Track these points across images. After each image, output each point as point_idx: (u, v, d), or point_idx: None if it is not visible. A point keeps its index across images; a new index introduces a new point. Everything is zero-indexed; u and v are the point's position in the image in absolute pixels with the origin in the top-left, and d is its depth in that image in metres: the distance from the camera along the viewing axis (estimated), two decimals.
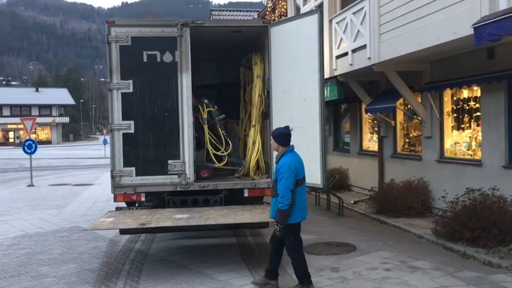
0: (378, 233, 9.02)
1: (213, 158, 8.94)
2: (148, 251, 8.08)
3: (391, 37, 9.21)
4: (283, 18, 16.17)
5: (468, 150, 9.51)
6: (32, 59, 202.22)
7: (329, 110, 15.50)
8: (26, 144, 19.32)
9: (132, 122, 8.19)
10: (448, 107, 10.03)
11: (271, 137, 5.99)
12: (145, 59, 8.17)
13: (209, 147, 9.01)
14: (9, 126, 71.85)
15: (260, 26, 8.52)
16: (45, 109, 75.08)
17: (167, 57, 8.24)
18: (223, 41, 9.33)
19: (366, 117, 13.45)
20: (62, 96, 78.77)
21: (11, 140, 71.71)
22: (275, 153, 8.30)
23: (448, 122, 10.02)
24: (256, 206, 8.12)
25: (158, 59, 8.21)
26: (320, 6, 12.74)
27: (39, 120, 71.88)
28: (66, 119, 78.35)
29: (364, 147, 13.67)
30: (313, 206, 12.11)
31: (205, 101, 9.15)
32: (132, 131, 8.20)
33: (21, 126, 73.75)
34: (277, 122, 8.31)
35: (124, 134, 8.18)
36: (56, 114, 76.41)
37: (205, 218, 7.06)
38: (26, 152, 19.30)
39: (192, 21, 8.30)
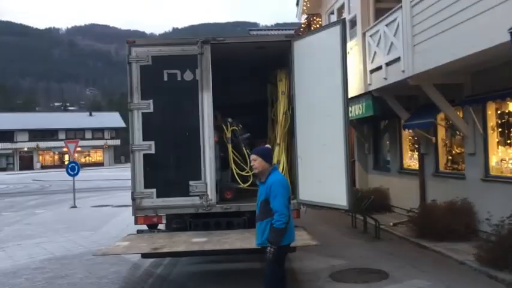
0: (416, 258, 8.33)
1: (237, 178, 8.61)
2: (168, 276, 7.79)
3: (425, 48, 8.65)
4: None
5: None
6: (89, 84, 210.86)
7: (368, 128, 14.91)
8: (70, 166, 19.73)
9: (152, 143, 8.01)
10: (492, 121, 9.26)
11: (257, 156, 5.42)
12: (165, 78, 8.01)
13: (233, 167, 8.69)
14: (64, 149, 74.56)
15: (283, 41, 8.18)
16: (97, 132, 77.58)
17: (188, 76, 8.05)
18: (250, 59, 9.05)
19: (406, 134, 12.76)
20: (113, 119, 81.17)
21: (66, 163, 74.27)
22: (302, 173, 8.02)
23: (493, 137, 9.25)
24: None
25: (179, 78, 8.02)
26: (354, 20, 12.33)
27: (92, 143, 74.91)
28: (117, 142, 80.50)
29: (405, 166, 12.94)
30: (349, 229, 11.50)
31: (229, 119, 8.88)
32: (152, 151, 8.01)
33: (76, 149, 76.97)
34: (301, 140, 7.94)
35: (145, 155, 8.01)
36: (108, 137, 78.76)
37: (222, 242, 6.71)
38: (69, 174, 19.69)
39: (213, 38, 8.08)
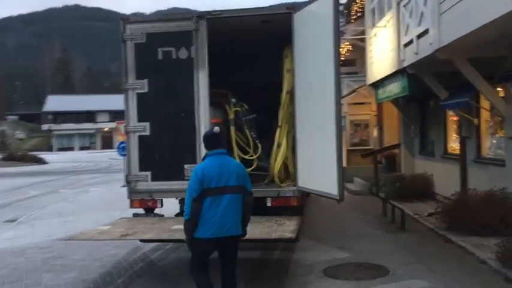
0: (432, 254, 7.44)
1: (238, 161, 8.11)
2: (159, 262, 7.54)
3: (451, 17, 7.59)
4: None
5: None
6: None
7: (415, 108, 13.73)
8: (121, 146, 20.08)
9: (147, 124, 7.74)
10: None
11: None
12: (160, 57, 7.67)
13: (235, 150, 8.21)
14: None
15: (285, 13, 7.48)
16: None
17: (182, 54, 7.64)
18: (260, 34, 8.44)
19: (451, 115, 11.54)
20: None
21: None
22: (300, 158, 7.39)
23: None
24: (273, 217, 7.10)
25: (173, 56, 7.65)
26: None
27: None
28: None
29: (449, 150, 11.75)
30: (378, 218, 10.63)
31: (233, 100, 8.38)
32: (147, 133, 7.75)
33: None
34: (300, 122, 7.31)
35: (140, 137, 7.76)
36: None
37: None
38: (120, 155, 20.08)
39: (209, 13, 7.60)
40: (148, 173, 7.74)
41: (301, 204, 7.48)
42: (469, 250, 7.50)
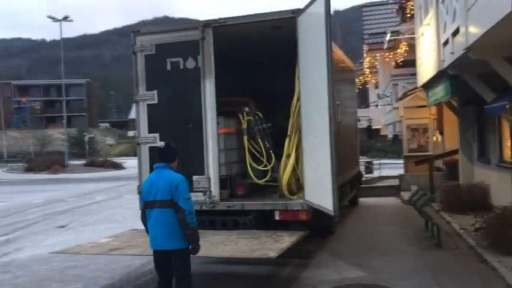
0: (458, 276, 6.69)
1: (251, 172, 7.87)
2: None
3: (477, 12, 6.82)
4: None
5: None
6: None
7: (472, 111, 12.60)
8: None
9: (157, 135, 7.75)
10: None
11: None
12: (168, 67, 7.67)
13: (248, 160, 7.97)
14: None
15: (290, 18, 7.11)
16: None
17: (190, 63, 7.58)
18: (274, 40, 8.17)
19: (506, 119, 10.40)
20: None
21: None
22: (306, 169, 6.97)
23: None
24: (276, 232, 6.76)
25: (181, 66, 7.61)
26: None
27: None
28: None
29: (505, 157, 10.60)
30: (419, 232, 9.77)
31: (246, 109, 8.15)
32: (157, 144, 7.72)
33: None
34: (305, 132, 6.91)
35: (150, 148, 7.78)
36: None
37: None
38: None
39: (215, 21, 7.46)
40: None
41: (309, 219, 7.04)
42: (500, 273, 6.65)
